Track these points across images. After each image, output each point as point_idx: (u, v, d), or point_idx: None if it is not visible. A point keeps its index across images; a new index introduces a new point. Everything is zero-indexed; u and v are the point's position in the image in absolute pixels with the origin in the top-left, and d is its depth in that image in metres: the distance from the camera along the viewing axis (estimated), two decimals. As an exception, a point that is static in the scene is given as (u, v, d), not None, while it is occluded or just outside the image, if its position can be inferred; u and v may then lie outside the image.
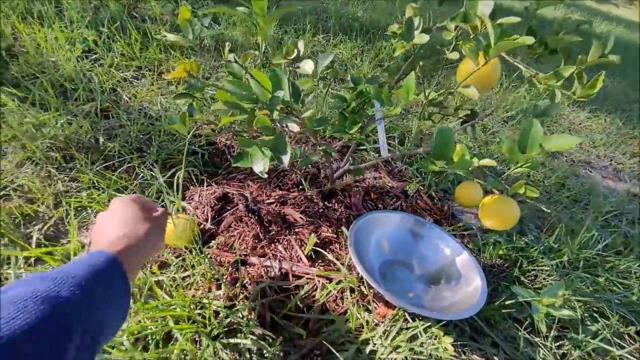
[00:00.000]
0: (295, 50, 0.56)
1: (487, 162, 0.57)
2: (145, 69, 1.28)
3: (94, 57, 1.24)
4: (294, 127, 0.48)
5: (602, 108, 2.07)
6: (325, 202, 0.86)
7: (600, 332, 0.71)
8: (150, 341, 0.56)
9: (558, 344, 0.69)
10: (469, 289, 0.65)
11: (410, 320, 0.63)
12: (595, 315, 0.76)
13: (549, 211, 1.08)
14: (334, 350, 0.56)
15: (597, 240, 0.93)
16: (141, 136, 0.99)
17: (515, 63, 0.58)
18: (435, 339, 0.62)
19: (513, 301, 0.69)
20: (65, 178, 0.82)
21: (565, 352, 0.67)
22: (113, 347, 0.53)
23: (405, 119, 1.40)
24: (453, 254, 0.74)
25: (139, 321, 0.57)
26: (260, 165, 0.57)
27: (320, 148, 0.68)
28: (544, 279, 0.82)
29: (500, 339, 0.66)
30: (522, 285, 0.80)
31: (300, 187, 0.90)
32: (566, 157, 1.54)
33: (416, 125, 1.29)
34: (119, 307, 0.36)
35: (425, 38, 0.60)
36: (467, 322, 0.66)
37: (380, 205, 0.91)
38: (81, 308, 0.29)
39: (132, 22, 1.38)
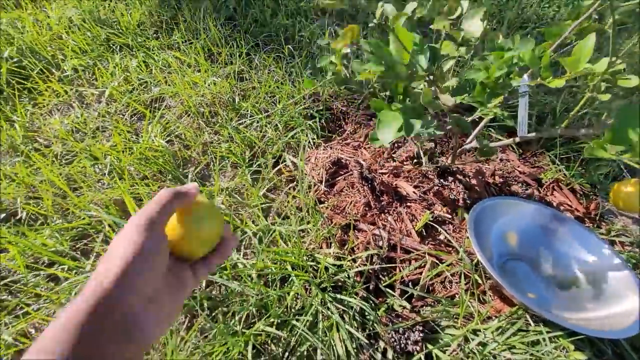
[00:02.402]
0: (459, 9, 0.51)
1: None
2: (274, 34, 1.36)
3: (233, 23, 1.38)
4: (448, 100, 0.44)
5: None
6: (442, 180, 0.80)
7: None
8: (270, 281, 0.64)
9: None
10: (621, 308, 0.54)
11: (532, 324, 0.56)
12: None
13: None
14: (439, 330, 0.54)
15: None
16: (268, 98, 1.08)
17: None
18: (562, 351, 0.54)
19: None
20: (210, 130, 0.96)
21: None
22: (240, 278, 0.62)
23: (549, 94, 1.17)
24: (602, 262, 0.62)
25: (262, 260, 0.66)
26: (389, 133, 0.55)
27: (450, 120, 0.62)
28: None
29: (653, 375, 0.53)
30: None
31: (415, 161, 0.86)
32: None
33: (583, 99, 1.06)
34: None
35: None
36: (610, 345, 0.56)
37: (505, 191, 0.80)
38: None
39: (266, -11, 1.47)
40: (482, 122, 0.77)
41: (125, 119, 0.98)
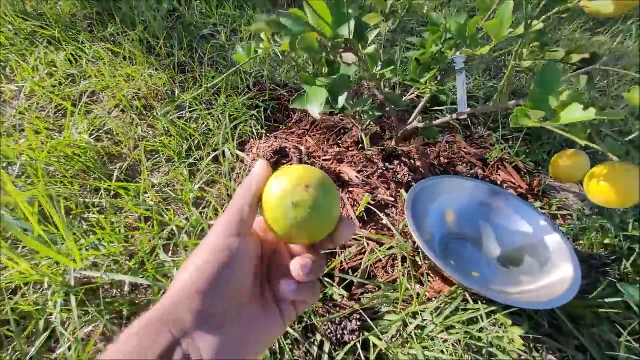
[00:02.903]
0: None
1: (612, 114, 0.43)
2: (221, 25, 1.31)
3: (177, 15, 1.31)
4: (349, 57, 0.41)
5: None
6: (387, 163, 0.78)
7: None
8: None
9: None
10: (556, 278, 0.53)
11: (471, 302, 0.54)
12: None
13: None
14: (367, 319, 0.51)
15: None
16: (212, 90, 1.02)
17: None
18: (500, 327, 0.52)
19: (614, 300, 0.54)
20: (144, 125, 0.89)
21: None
22: (167, 278, 0.57)
23: (496, 78, 1.19)
24: (539, 234, 0.61)
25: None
26: (317, 106, 0.52)
27: (382, 95, 0.60)
28: (669, 281, 0.62)
29: (589, 343, 0.53)
30: (632, 284, 0.63)
31: (361, 146, 0.83)
32: None
33: (509, 68, 1.07)
34: None
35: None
36: (547, 317, 0.55)
37: (450, 172, 0.79)
38: None
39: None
40: (422, 101, 0.76)
41: (48, 116, 0.89)
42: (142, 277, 0.55)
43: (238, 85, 1.02)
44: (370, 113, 0.72)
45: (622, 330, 0.53)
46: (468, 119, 1.02)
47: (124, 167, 0.78)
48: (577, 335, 0.53)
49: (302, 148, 0.74)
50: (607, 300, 0.56)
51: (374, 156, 0.78)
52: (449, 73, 0.72)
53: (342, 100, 0.50)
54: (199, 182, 0.75)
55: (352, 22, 0.48)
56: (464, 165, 0.82)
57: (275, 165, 0.79)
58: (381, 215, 0.67)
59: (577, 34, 1.43)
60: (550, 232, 0.60)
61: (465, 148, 0.88)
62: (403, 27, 1.39)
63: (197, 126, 0.90)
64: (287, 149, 0.81)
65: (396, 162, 0.79)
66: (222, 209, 0.70)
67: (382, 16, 0.58)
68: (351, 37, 0.49)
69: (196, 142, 0.85)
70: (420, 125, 0.71)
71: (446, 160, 0.81)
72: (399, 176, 0.75)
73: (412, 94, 0.69)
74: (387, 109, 0.71)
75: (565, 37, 1.42)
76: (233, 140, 0.88)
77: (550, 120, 0.46)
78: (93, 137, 0.83)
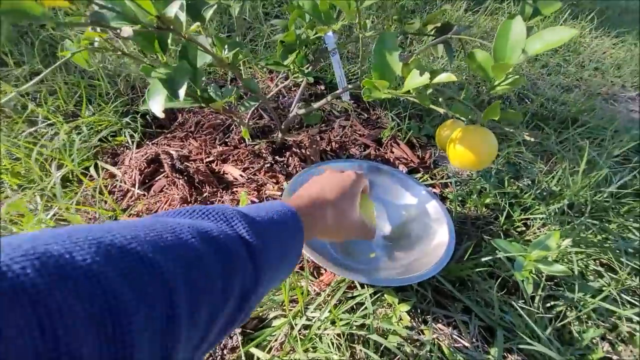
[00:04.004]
0: None
1: (445, 77, 0.42)
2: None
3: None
4: (125, 31, 0.34)
5: (631, 31, 1.76)
6: (276, 157, 0.74)
7: (604, 288, 0.58)
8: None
9: (549, 305, 0.57)
10: (431, 246, 0.53)
11: (359, 287, 0.52)
12: (601, 269, 0.62)
13: (530, 138, 0.91)
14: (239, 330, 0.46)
15: (610, 180, 0.77)
16: (78, 99, 0.88)
17: None
18: (388, 308, 0.51)
19: (492, 258, 0.56)
20: (-19, 149, 0.73)
21: (557, 314, 0.55)
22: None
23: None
24: (421, 204, 0.62)
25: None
26: (158, 102, 0.44)
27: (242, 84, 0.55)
28: (538, 229, 0.68)
29: (474, 304, 0.54)
30: (510, 238, 0.67)
31: (249, 142, 0.78)
32: (584, 89, 1.32)
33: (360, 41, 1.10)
34: (287, 263, 0.32)
35: None
36: (431, 285, 0.55)
37: (341, 156, 0.78)
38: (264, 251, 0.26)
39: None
40: (301, 87, 0.72)
41: None
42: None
43: (108, 90, 0.89)
44: (247, 104, 0.66)
45: (505, 286, 0.56)
46: (366, 101, 1.03)
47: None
48: (460, 297, 0.54)
49: (173, 153, 0.65)
50: (488, 257, 0.58)
51: (262, 151, 0.73)
52: (322, 54, 0.70)
53: (182, 93, 0.44)
54: (49, 210, 0.62)
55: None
56: (357, 147, 0.81)
57: (151, 176, 0.70)
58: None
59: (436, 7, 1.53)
60: (430, 200, 0.61)
61: (359, 130, 0.88)
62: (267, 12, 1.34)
63: (52, 143, 0.76)
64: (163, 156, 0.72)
65: (287, 154, 0.75)
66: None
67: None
68: (180, 17, 0.43)
69: (53, 161, 0.72)
70: (302, 111, 0.68)
71: (337, 145, 0.79)
72: (289, 168, 0.71)
73: (280, 79, 0.65)
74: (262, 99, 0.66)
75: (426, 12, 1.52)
76: (105, 153, 0.76)
77: (399, 89, 0.46)
78: None
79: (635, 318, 0.55)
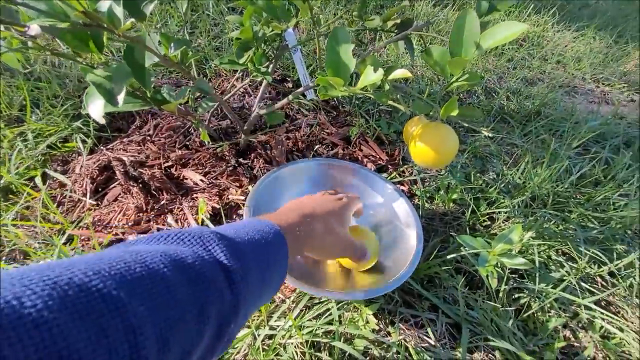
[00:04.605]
0: None
1: (400, 73, 0.41)
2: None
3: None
4: (33, 29, 0.31)
5: (590, 25, 1.83)
6: (240, 159, 0.71)
7: (565, 278, 0.59)
8: None
9: (514, 297, 0.57)
10: (403, 251, 0.52)
11: (325, 292, 0.51)
12: (562, 259, 0.64)
13: (488, 135, 0.93)
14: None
15: (571, 171, 0.80)
16: (23, 102, 0.81)
17: None
18: (354, 311, 0.50)
19: (459, 254, 0.57)
20: None
21: (521, 306, 0.56)
22: None
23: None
24: (388, 203, 0.61)
25: None
26: (98, 107, 0.41)
27: (191, 86, 0.52)
28: (504, 222, 0.69)
29: (441, 301, 0.54)
30: (477, 233, 0.67)
31: (212, 144, 0.74)
32: (547, 82, 1.36)
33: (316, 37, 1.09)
34: (271, 286, 0.30)
35: None
36: (398, 290, 0.54)
37: (308, 156, 0.76)
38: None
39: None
40: (262, 86, 0.70)
41: None
42: None
43: (57, 92, 0.83)
44: (205, 105, 0.63)
45: (473, 281, 0.56)
46: (335, 99, 1.01)
47: None
48: (427, 296, 0.54)
49: (125, 159, 0.61)
50: (454, 255, 0.58)
51: (225, 153, 0.70)
52: (283, 51, 0.67)
53: (120, 98, 0.40)
54: (-8, 224, 0.57)
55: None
56: (325, 146, 0.80)
57: (105, 184, 0.65)
58: (235, 219, 0.60)
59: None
60: (397, 198, 0.60)
61: (327, 129, 0.86)
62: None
63: (-4, 152, 0.70)
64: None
65: (252, 155, 0.72)
66: (34, 251, 0.54)
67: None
68: (116, 12, 0.40)
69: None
70: (263, 111, 0.65)
71: (304, 145, 0.77)
72: (253, 171, 0.69)
73: (236, 78, 0.62)
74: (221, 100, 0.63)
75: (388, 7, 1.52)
76: (52, 162, 0.71)
77: (355, 87, 0.44)
78: None
79: (593, 306, 0.56)
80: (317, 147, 0.78)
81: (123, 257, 0.19)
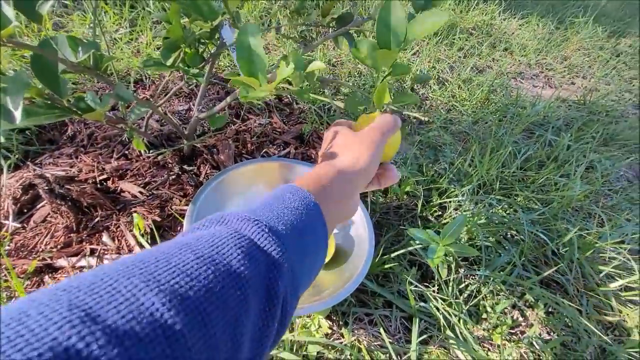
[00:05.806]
0: None
1: (315, 66, 0.40)
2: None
3: None
4: None
5: (533, 12, 1.92)
6: (184, 166, 0.67)
7: (512, 261, 0.62)
8: None
9: (463, 285, 0.59)
10: (357, 256, 0.51)
11: (275, 300, 0.49)
12: (507, 242, 0.66)
13: (424, 119, 0.96)
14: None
15: (516, 155, 0.83)
16: None
17: None
18: (307, 317, 0.49)
19: (411, 247, 0.57)
20: None
21: (472, 293, 0.58)
22: None
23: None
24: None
25: None
26: None
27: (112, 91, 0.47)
28: (454, 210, 0.70)
29: (395, 296, 0.54)
30: (430, 223, 0.68)
31: (153, 151, 0.70)
32: (495, 69, 1.41)
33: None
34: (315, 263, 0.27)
35: None
36: (353, 294, 0.54)
37: (260, 157, 0.73)
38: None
39: None
40: (201, 89, 0.66)
41: None
42: None
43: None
44: (137, 111, 0.58)
45: (426, 273, 0.56)
46: (289, 95, 0.99)
47: None
48: (382, 293, 0.54)
49: (49, 175, 0.56)
50: (407, 249, 0.58)
51: (168, 160, 0.66)
52: (220, 49, 0.64)
53: (18, 114, 0.36)
54: None
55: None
56: (276, 146, 0.77)
57: (31, 204, 0.59)
58: (179, 230, 0.56)
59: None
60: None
61: (279, 128, 0.84)
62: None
63: None
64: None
65: (197, 161, 0.68)
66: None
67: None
68: (6, 13, 0.35)
69: None
70: (203, 115, 0.62)
71: (254, 147, 0.75)
72: (199, 178, 0.65)
73: (167, 80, 0.58)
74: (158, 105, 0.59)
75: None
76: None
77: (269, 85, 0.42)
78: None
79: (538, 286, 0.59)
80: (268, 147, 0.76)
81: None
